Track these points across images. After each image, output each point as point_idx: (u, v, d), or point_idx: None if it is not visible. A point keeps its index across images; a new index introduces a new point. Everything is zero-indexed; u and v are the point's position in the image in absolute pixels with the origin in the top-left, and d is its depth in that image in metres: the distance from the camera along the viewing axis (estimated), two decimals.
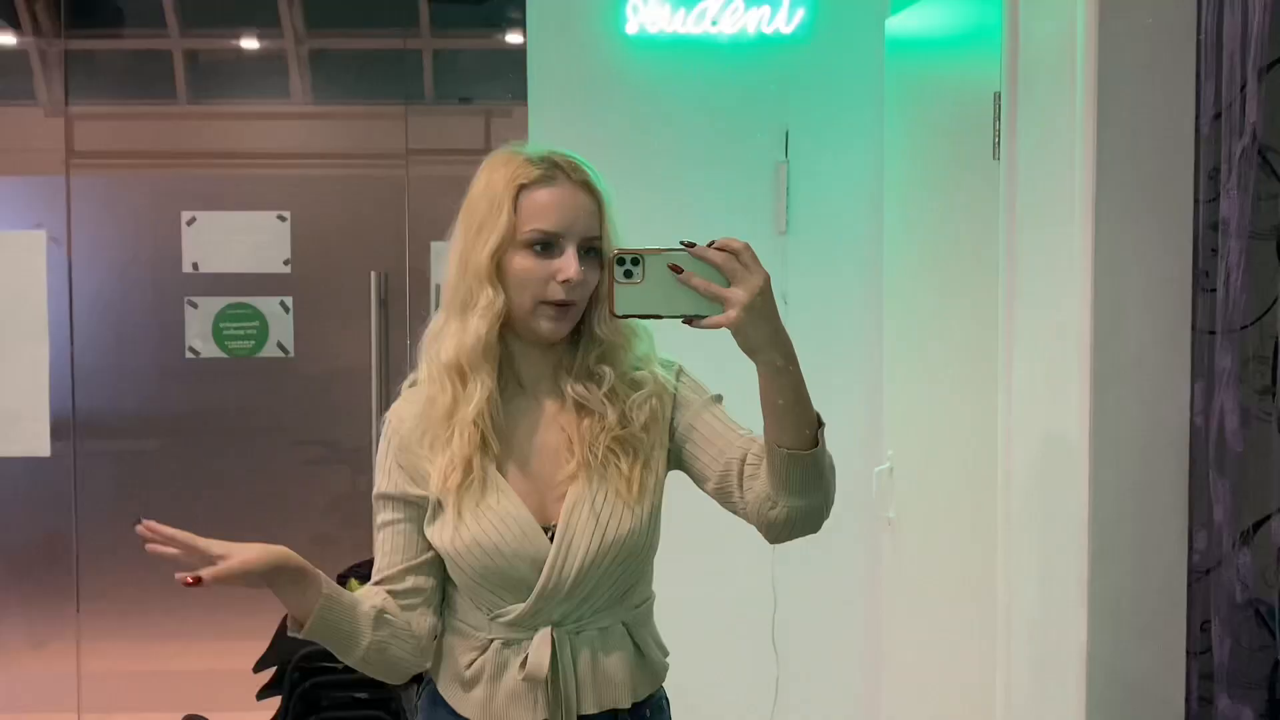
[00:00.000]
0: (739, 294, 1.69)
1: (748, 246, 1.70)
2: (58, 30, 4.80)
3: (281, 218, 4.81)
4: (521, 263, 1.89)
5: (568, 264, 1.88)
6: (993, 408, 2.97)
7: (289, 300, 4.82)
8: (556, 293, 1.90)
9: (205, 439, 4.92)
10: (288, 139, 4.95)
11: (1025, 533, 2.81)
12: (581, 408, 1.97)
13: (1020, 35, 2.82)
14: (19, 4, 4.80)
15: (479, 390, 1.90)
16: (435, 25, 4.87)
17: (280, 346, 4.83)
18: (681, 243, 1.71)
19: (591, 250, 1.92)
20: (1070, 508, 2.61)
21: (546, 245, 1.89)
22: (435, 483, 1.92)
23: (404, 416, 1.98)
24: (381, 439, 1.99)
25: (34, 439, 4.63)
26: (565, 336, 1.95)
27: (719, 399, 2.03)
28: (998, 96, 2.96)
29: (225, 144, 4.93)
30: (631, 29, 4.12)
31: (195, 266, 4.80)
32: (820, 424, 1.81)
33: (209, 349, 4.80)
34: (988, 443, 3.01)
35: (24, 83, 4.88)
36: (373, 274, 4.79)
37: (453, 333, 1.92)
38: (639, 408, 1.96)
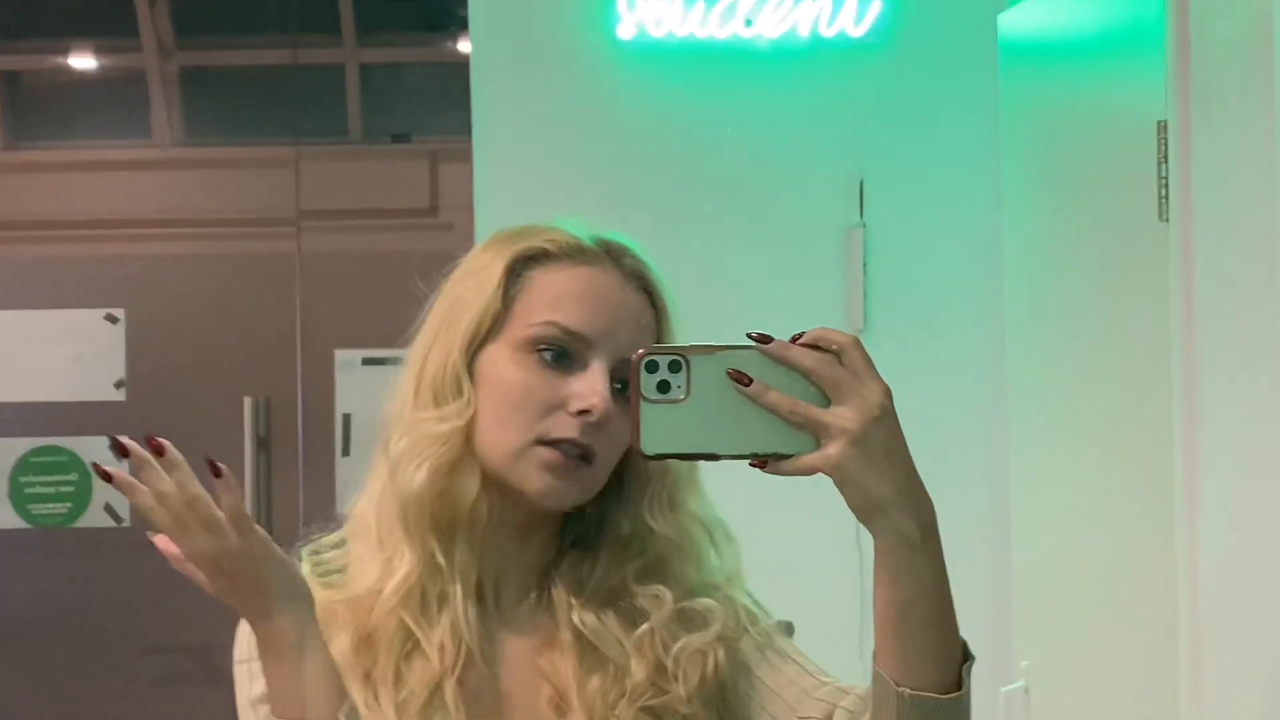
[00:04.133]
0: (845, 417, 1.35)
1: (856, 342, 1.38)
2: None
3: (111, 318, 4.57)
4: (516, 371, 1.61)
5: (593, 385, 1.58)
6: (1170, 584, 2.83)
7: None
8: (566, 428, 1.59)
9: (4, 656, 4.68)
10: (130, 199, 4.80)
11: None
12: (586, 648, 1.63)
13: (1193, 38, 2.79)
14: None
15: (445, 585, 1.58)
16: (361, 31, 4.85)
17: (110, 511, 4.54)
18: (749, 336, 1.41)
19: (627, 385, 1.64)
20: None
21: (562, 353, 1.60)
22: None
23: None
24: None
25: None
26: (558, 516, 1.66)
27: (788, 629, 1.71)
28: (1162, 126, 2.88)
29: (29, 208, 4.79)
30: (626, 32, 3.93)
31: None
32: (966, 656, 1.46)
33: (4, 516, 4.56)
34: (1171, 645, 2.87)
35: None
36: (247, 400, 4.64)
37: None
38: (690, 660, 1.61)
